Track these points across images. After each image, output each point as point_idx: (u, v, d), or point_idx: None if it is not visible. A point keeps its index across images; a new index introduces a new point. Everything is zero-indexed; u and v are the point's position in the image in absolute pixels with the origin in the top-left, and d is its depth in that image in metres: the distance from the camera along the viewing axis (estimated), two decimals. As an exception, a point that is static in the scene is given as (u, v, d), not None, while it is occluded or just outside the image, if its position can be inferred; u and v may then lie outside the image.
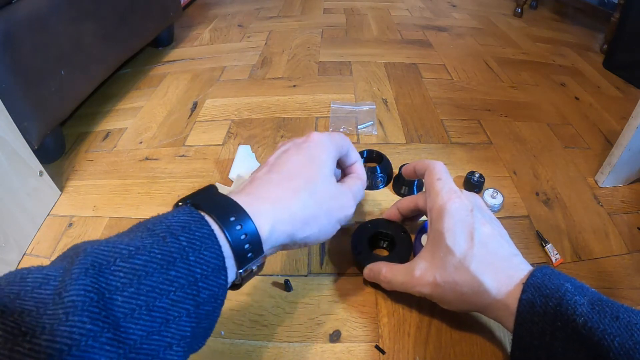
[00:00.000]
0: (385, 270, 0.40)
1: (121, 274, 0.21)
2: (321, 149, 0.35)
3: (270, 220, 0.28)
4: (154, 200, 0.57)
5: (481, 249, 0.34)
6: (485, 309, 0.34)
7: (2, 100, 0.49)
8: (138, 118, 0.77)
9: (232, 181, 0.56)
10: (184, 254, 0.23)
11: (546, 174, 0.61)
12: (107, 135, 0.72)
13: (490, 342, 0.39)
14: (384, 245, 0.48)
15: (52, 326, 0.18)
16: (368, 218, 0.52)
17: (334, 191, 0.34)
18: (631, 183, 0.60)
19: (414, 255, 0.46)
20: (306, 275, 0.46)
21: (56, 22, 0.61)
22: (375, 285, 0.43)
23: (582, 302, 0.28)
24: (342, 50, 1.02)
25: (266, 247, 0.28)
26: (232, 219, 0.26)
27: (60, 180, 0.62)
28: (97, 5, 0.71)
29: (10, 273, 0.21)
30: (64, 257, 0.23)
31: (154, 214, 0.58)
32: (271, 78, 0.89)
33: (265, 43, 1.07)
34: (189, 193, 0.29)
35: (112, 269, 0.21)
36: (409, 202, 0.44)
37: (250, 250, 0.27)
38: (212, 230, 0.25)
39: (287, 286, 0.44)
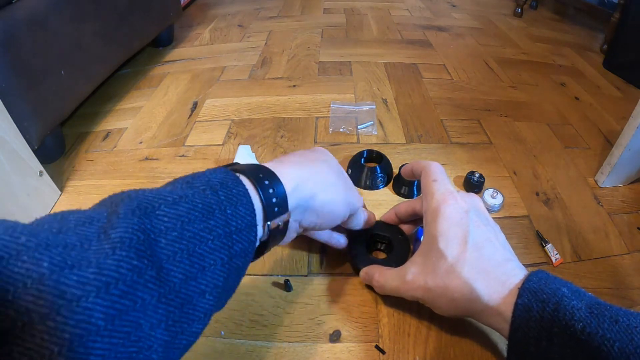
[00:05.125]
0: (378, 275, 0.39)
1: (166, 219, 0.22)
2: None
3: (295, 178, 0.31)
4: (154, 200, 0.57)
5: (474, 253, 0.33)
6: (477, 315, 0.33)
7: (2, 100, 0.49)
8: (138, 118, 0.77)
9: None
10: (222, 207, 0.25)
11: (546, 174, 0.61)
12: (107, 135, 0.72)
13: (490, 342, 0.39)
14: (382, 248, 0.47)
15: (99, 260, 0.19)
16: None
17: (348, 179, 0.38)
18: (631, 183, 0.60)
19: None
20: (306, 275, 0.46)
21: (56, 22, 0.61)
22: (372, 291, 0.43)
23: (579, 306, 0.28)
24: (342, 50, 1.02)
25: (291, 201, 0.30)
26: (261, 176, 0.28)
27: (60, 180, 0.62)
28: (97, 5, 0.71)
29: (50, 214, 0.21)
30: (102, 203, 0.23)
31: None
32: (271, 78, 0.89)
33: (265, 43, 1.07)
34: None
35: (157, 213, 0.22)
36: (407, 206, 0.44)
37: (277, 205, 0.29)
38: (247, 189, 0.27)
39: (287, 286, 0.44)
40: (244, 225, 0.26)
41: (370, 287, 0.44)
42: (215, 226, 0.24)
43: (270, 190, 0.28)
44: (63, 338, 0.17)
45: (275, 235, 0.30)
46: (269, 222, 0.28)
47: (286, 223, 0.30)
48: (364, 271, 0.42)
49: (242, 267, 0.26)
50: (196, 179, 0.26)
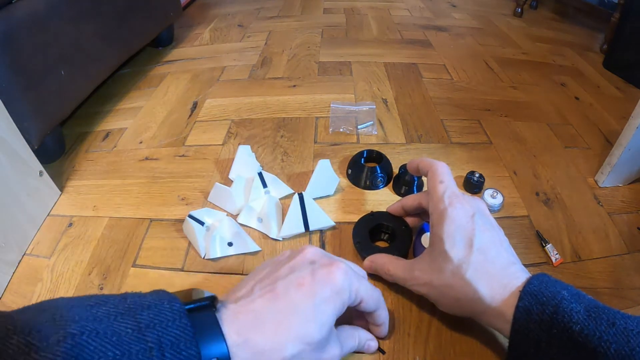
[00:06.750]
0: (389, 263, 0.41)
1: None
2: (333, 302, 0.30)
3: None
4: (154, 200, 0.57)
5: (479, 256, 0.34)
6: (479, 315, 0.34)
7: (2, 100, 0.49)
8: (138, 118, 0.77)
9: (232, 181, 0.56)
10: None
11: (546, 174, 0.61)
12: (107, 135, 0.72)
13: (491, 342, 0.38)
14: (384, 238, 0.49)
15: None
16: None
17: (319, 356, 0.30)
18: (631, 183, 0.60)
19: (414, 255, 0.46)
20: (306, 275, 0.46)
21: (56, 22, 0.61)
22: (376, 280, 0.44)
23: (578, 309, 0.28)
24: (342, 50, 1.02)
25: None
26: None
27: (60, 180, 0.62)
28: (97, 5, 0.71)
29: None
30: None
31: (154, 214, 0.58)
32: (271, 78, 0.89)
33: (265, 43, 1.07)
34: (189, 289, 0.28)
35: None
36: (413, 200, 0.45)
37: None
38: None
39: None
40: None
41: (372, 278, 0.44)
42: None
43: None
44: None
45: None
46: None
47: None
48: (369, 259, 0.43)
49: None
50: (150, 327, 0.23)
